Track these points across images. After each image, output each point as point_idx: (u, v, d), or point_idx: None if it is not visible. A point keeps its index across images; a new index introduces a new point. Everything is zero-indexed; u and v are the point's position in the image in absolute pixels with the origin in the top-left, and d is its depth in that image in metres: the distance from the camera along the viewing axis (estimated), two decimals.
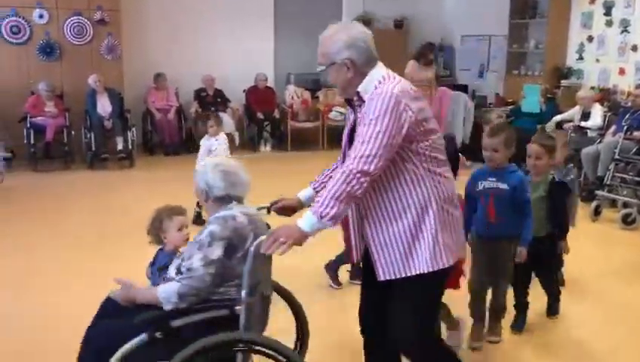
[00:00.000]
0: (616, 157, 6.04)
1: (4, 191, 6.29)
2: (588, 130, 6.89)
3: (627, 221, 5.56)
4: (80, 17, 8.16)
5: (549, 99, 7.84)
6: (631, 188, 5.93)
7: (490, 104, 9.25)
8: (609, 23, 8.08)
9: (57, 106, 7.79)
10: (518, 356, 3.21)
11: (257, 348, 2.13)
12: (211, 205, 2.38)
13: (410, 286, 2.15)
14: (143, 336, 2.11)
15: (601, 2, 8.17)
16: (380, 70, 2.15)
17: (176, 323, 2.14)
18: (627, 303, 3.92)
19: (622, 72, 7.90)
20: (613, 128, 6.54)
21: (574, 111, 7.11)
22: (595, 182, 6.18)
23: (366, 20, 9.94)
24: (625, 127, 6.23)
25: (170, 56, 8.91)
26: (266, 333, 2.37)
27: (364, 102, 2.10)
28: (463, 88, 9.30)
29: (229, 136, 6.17)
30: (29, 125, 7.53)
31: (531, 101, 7.67)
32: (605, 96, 7.71)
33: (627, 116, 6.40)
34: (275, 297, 2.52)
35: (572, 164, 4.31)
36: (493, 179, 3.06)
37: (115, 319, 2.28)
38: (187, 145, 8.57)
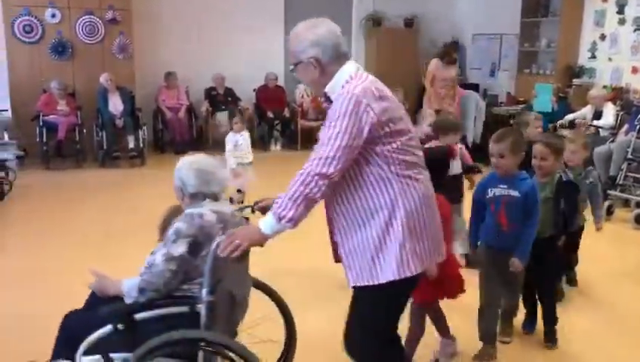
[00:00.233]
0: (629, 156, 6.00)
1: (16, 189, 6.32)
2: (600, 130, 6.84)
3: None
4: (92, 17, 8.22)
5: (560, 98, 7.78)
6: None
7: (501, 103, 9.20)
8: (622, 22, 8.00)
9: (69, 105, 7.86)
10: (527, 356, 3.19)
11: (218, 349, 2.08)
12: (187, 202, 2.39)
13: (375, 294, 2.06)
14: (109, 327, 2.15)
15: (614, 0, 8.09)
16: (349, 68, 2.06)
17: (139, 316, 2.16)
18: None
19: (635, 70, 7.82)
20: (625, 127, 6.48)
21: (586, 111, 7.05)
22: (608, 182, 6.12)
23: (376, 19, 9.95)
24: (637, 126, 6.16)
25: (181, 55, 8.95)
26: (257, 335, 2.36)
27: (332, 102, 2.03)
28: (474, 87, 9.29)
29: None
30: (41, 123, 7.58)
31: (543, 100, 7.61)
32: (618, 95, 7.62)
33: None
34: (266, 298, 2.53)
35: (592, 167, 4.16)
36: (505, 186, 2.96)
37: (87, 310, 2.35)
38: (198, 143, 8.61)
